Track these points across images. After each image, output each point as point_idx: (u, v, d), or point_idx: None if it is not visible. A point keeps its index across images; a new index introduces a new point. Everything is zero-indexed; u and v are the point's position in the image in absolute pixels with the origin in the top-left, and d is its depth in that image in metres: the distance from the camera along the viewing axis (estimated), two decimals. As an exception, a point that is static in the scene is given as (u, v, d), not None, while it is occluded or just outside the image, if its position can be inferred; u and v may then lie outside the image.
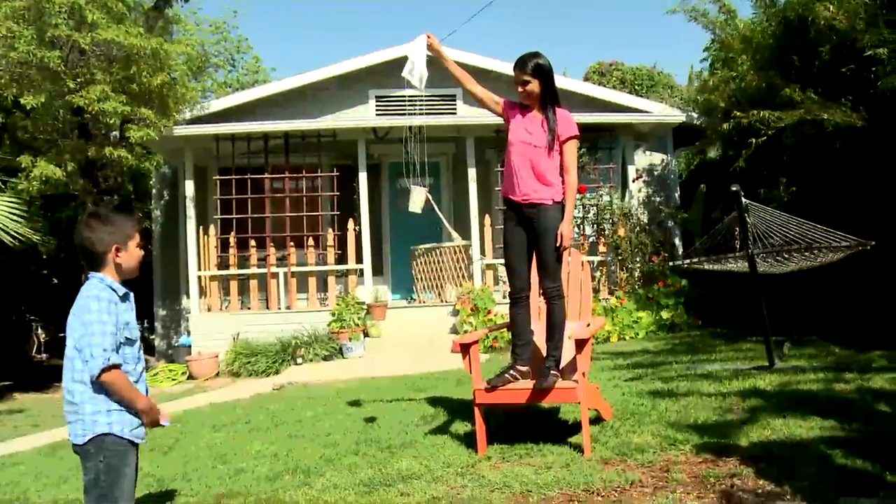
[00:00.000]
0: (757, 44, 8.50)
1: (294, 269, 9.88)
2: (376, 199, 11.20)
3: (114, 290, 2.51)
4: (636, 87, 15.86)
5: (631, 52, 48.20)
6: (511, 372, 3.96)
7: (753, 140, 7.83)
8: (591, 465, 3.50)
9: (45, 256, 12.95)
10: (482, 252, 9.93)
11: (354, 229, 9.85)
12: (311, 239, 9.97)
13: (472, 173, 10.17)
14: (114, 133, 9.57)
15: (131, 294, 2.59)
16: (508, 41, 43.85)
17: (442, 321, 9.47)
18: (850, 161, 7.39)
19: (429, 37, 4.29)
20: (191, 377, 9.06)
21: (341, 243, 9.96)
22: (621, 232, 9.79)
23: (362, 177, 10.13)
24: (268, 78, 19.65)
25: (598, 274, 9.84)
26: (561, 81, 8.26)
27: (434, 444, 4.16)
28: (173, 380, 9.06)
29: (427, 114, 9.65)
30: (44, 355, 14.40)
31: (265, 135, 10.06)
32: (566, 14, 45.93)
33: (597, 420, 4.21)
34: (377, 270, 10.71)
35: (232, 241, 9.93)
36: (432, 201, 9.61)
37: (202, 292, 9.92)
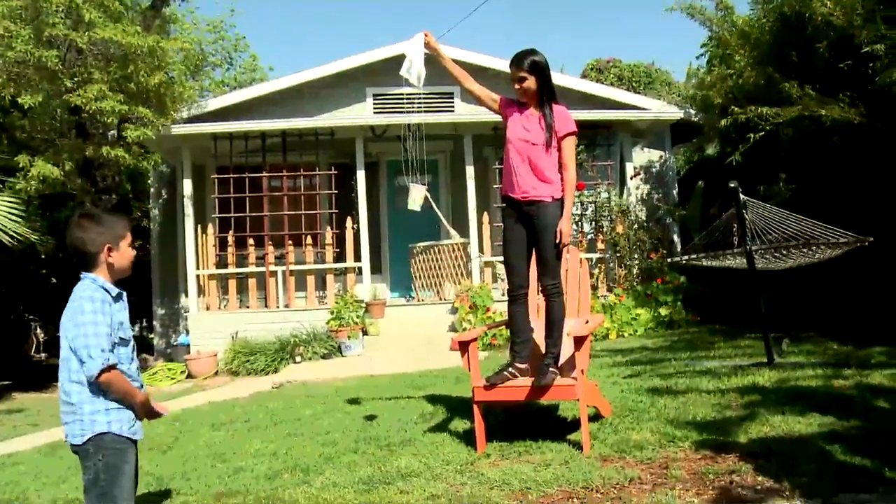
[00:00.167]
0: (754, 40, 8.49)
1: (292, 267, 9.87)
2: (374, 197, 11.18)
3: (107, 290, 2.50)
4: (634, 83, 15.87)
5: (629, 49, 48.29)
6: (510, 369, 3.96)
7: (752, 135, 7.82)
8: (590, 462, 3.50)
9: (43, 256, 12.92)
10: (480, 250, 9.92)
11: (353, 227, 9.83)
12: (309, 237, 9.97)
13: (470, 171, 10.16)
14: (111, 132, 9.57)
15: (124, 294, 2.59)
16: (506, 39, 43.88)
17: (441, 319, 9.46)
18: (848, 157, 7.39)
19: (426, 35, 4.28)
20: (190, 376, 9.06)
21: (340, 241, 9.95)
22: (619, 229, 9.78)
23: (360, 175, 10.11)
24: (265, 77, 19.66)
25: (596, 271, 9.83)
26: (558, 78, 8.27)
27: (433, 442, 4.16)
28: (172, 379, 9.06)
29: (425, 112, 9.65)
30: (43, 355, 14.40)
31: (263, 133, 10.05)
32: (564, 11, 45.94)
33: (596, 417, 4.21)
34: (376, 269, 10.71)
35: (230, 239, 9.92)
36: (431, 199, 9.60)
37: (201, 291, 9.91)
